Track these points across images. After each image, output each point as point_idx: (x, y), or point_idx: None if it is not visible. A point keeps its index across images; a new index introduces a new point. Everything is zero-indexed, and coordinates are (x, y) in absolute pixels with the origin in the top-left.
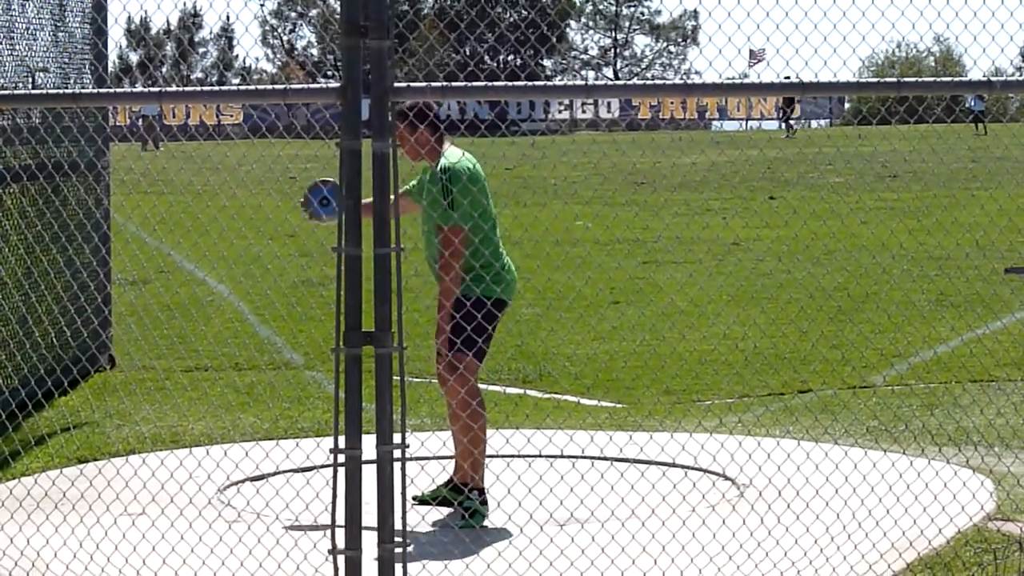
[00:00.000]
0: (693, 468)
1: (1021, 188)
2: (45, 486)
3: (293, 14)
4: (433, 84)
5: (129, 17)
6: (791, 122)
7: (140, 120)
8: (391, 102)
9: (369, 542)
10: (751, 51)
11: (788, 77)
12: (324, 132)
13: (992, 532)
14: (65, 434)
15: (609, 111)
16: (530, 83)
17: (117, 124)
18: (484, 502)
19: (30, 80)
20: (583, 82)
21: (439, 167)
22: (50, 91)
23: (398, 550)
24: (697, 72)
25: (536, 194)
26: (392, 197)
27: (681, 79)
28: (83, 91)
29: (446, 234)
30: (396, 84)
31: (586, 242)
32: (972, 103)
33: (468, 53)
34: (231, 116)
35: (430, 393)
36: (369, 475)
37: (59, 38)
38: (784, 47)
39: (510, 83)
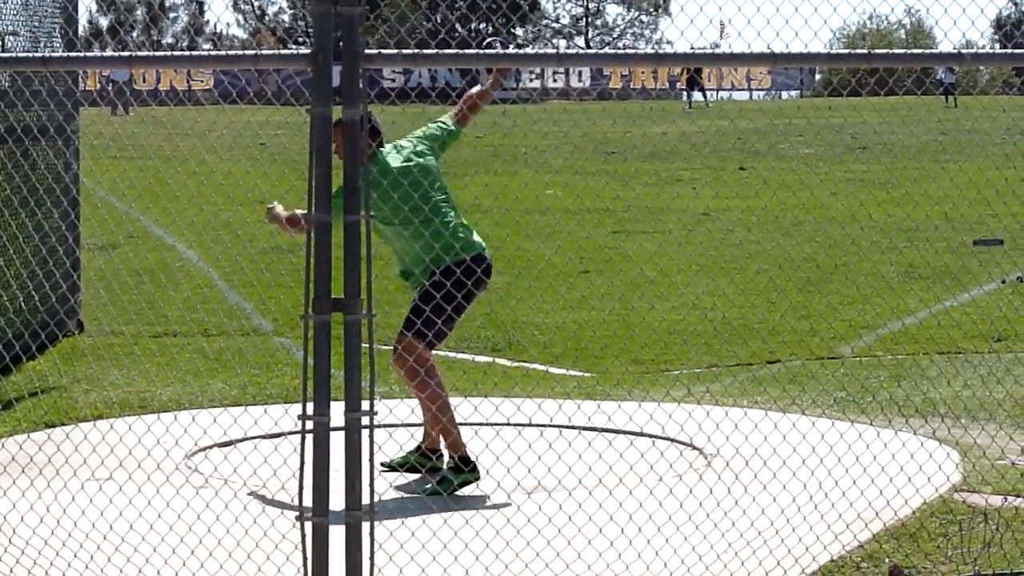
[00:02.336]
0: (661, 437)
1: (990, 161)
2: (12, 450)
3: None
4: (404, 51)
5: None
6: (701, 93)
7: (110, 85)
8: (362, 69)
9: (337, 508)
10: (721, 22)
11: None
12: (295, 98)
13: (957, 503)
14: (33, 399)
15: (580, 80)
16: (501, 51)
17: (87, 88)
18: (472, 469)
19: None
20: (555, 51)
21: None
22: (20, 55)
23: (365, 517)
24: (669, 42)
25: (507, 163)
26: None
27: (653, 49)
28: (53, 55)
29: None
30: (367, 51)
31: (556, 211)
32: (943, 75)
33: (439, 20)
34: (201, 81)
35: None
36: (337, 442)
37: (29, 2)
38: (755, 17)
39: (481, 51)
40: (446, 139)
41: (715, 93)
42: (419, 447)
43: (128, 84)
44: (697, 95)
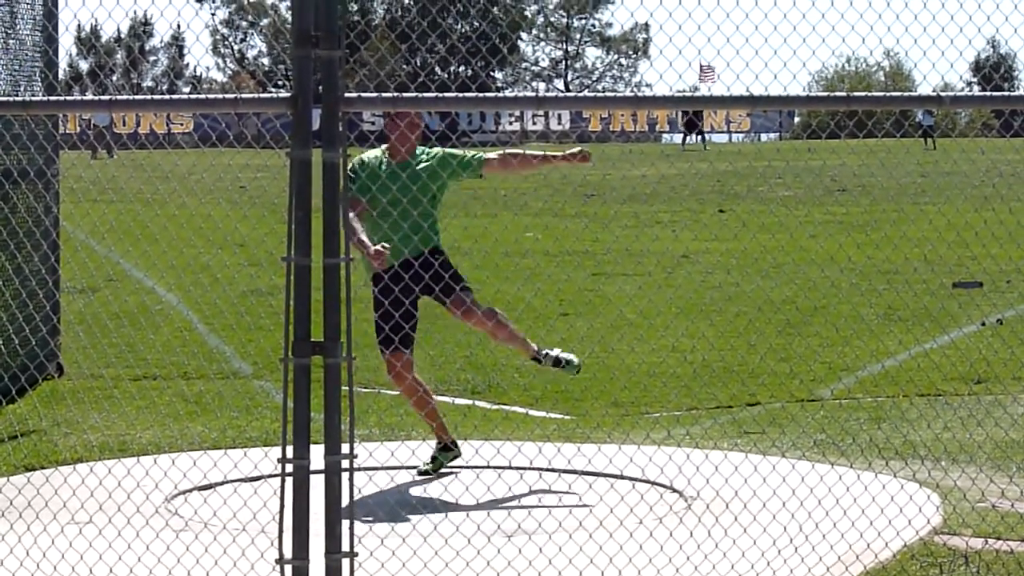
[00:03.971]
0: (641, 480)
1: (969, 203)
2: None
3: (244, 23)
4: (384, 94)
5: (80, 25)
6: (700, 136)
7: (91, 128)
8: (342, 112)
9: (317, 552)
10: (701, 65)
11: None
12: (274, 142)
13: (938, 546)
14: (12, 442)
15: (560, 123)
16: (481, 94)
17: (67, 132)
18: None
19: None
20: (534, 94)
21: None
22: (0, 99)
23: (345, 560)
24: (648, 85)
25: (486, 205)
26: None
27: (632, 92)
28: (33, 99)
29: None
30: (347, 94)
31: (535, 253)
32: (921, 118)
33: (419, 64)
34: (181, 125)
35: (379, 403)
36: (317, 485)
37: (9, 45)
38: (734, 60)
39: (461, 94)
40: (462, 171)
41: (695, 136)
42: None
43: (109, 128)
44: (692, 137)
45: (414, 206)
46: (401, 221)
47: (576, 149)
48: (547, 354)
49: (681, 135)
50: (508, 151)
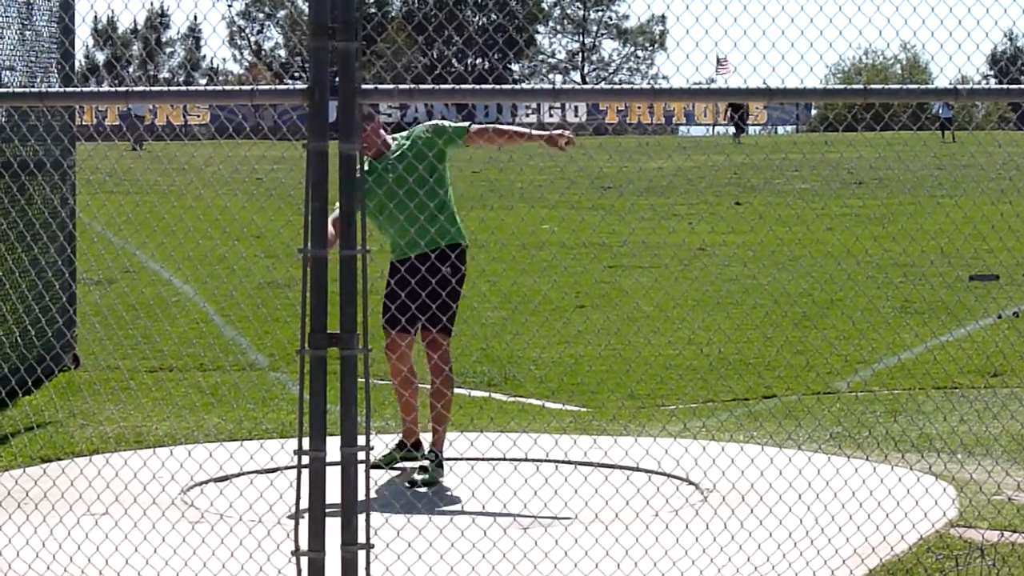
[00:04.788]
0: (657, 472)
1: (986, 196)
2: (8, 485)
3: (261, 15)
4: (401, 86)
5: (96, 16)
6: (742, 127)
7: (124, 121)
8: (358, 104)
9: (333, 543)
10: (718, 57)
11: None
12: (291, 133)
13: (954, 539)
14: (29, 433)
15: (576, 115)
16: (497, 86)
17: (83, 123)
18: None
19: None
20: (550, 86)
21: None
22: (16, 90)
23: (361, 552)
24: (664, 77)
25: (502, 197)
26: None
27: (648, 84)
28: (50, 90)
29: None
30: (363, 86)
31: (552, 246)
32: (939, 110)
33: (436, 56)
34: (198, 116)
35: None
36: (333, 477)
37: (26, 37)
38: (751, 53)
39: (477, 86)
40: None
41: (711, 128)
42: (402, 443)
43: (140, 119)
44: (733, 129)
45: (410, 198)
46: (406, 215)
47: (560, 131)
48: (436, 460)
49: (732, 129)
50: (494, 127)
